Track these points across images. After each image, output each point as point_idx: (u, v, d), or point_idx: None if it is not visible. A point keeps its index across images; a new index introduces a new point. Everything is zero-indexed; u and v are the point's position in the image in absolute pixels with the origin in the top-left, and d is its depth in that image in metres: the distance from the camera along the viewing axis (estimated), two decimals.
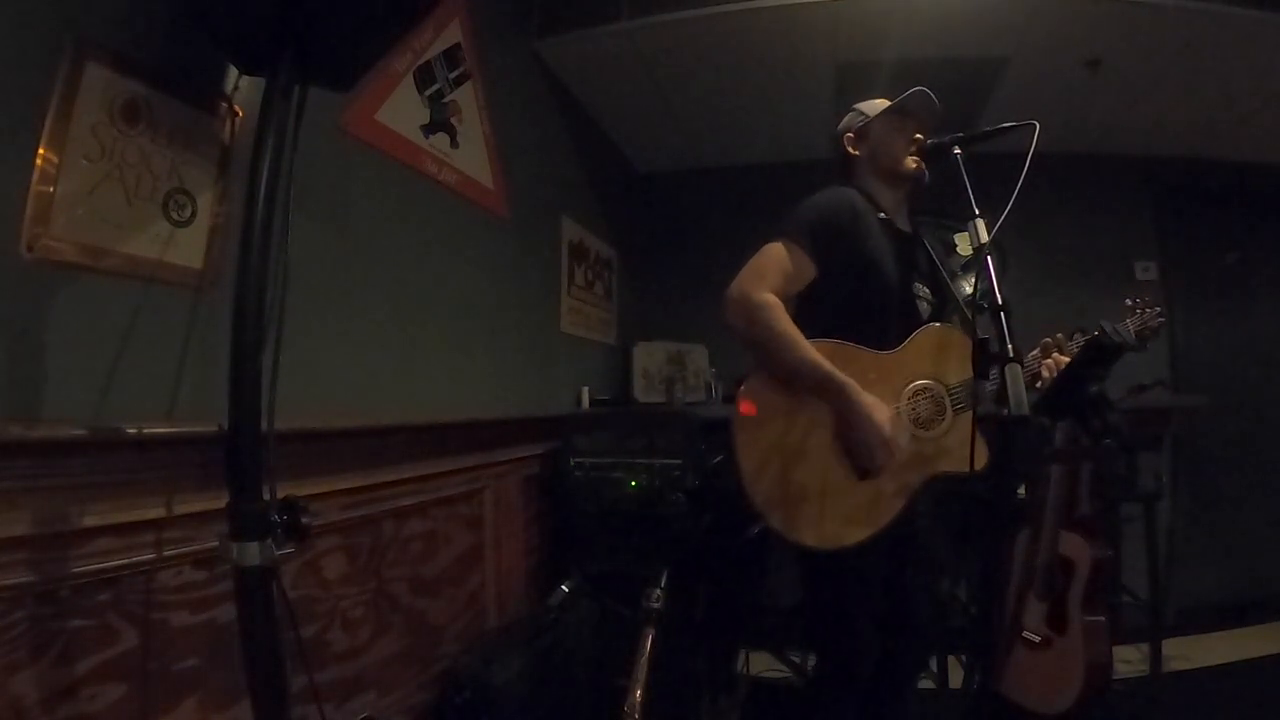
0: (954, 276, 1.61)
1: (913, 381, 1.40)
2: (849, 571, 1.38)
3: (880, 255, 1.43)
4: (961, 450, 1.23)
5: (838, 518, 1.33)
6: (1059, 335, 1.41)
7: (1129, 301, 1.54)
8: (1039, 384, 1.36)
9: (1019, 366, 1.05)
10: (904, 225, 1.55)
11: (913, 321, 1.45)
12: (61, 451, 0.96)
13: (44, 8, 1.00)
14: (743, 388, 1.41)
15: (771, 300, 1.36)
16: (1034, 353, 1.39)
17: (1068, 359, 1.38)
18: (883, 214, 1.50)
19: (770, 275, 1.38)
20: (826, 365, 1.33)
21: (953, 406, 1.39)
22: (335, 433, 1.48)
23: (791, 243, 1.40)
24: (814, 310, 1.43)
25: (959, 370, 1.39)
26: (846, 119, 1.62)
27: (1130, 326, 1.49)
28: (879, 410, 1.31)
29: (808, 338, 1.36)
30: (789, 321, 1.36)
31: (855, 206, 1.45)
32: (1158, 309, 1.51)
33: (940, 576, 2.57)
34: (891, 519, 1.34)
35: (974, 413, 1.20)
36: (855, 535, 1.33)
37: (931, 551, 1.55)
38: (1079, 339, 1.40)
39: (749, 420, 1.37)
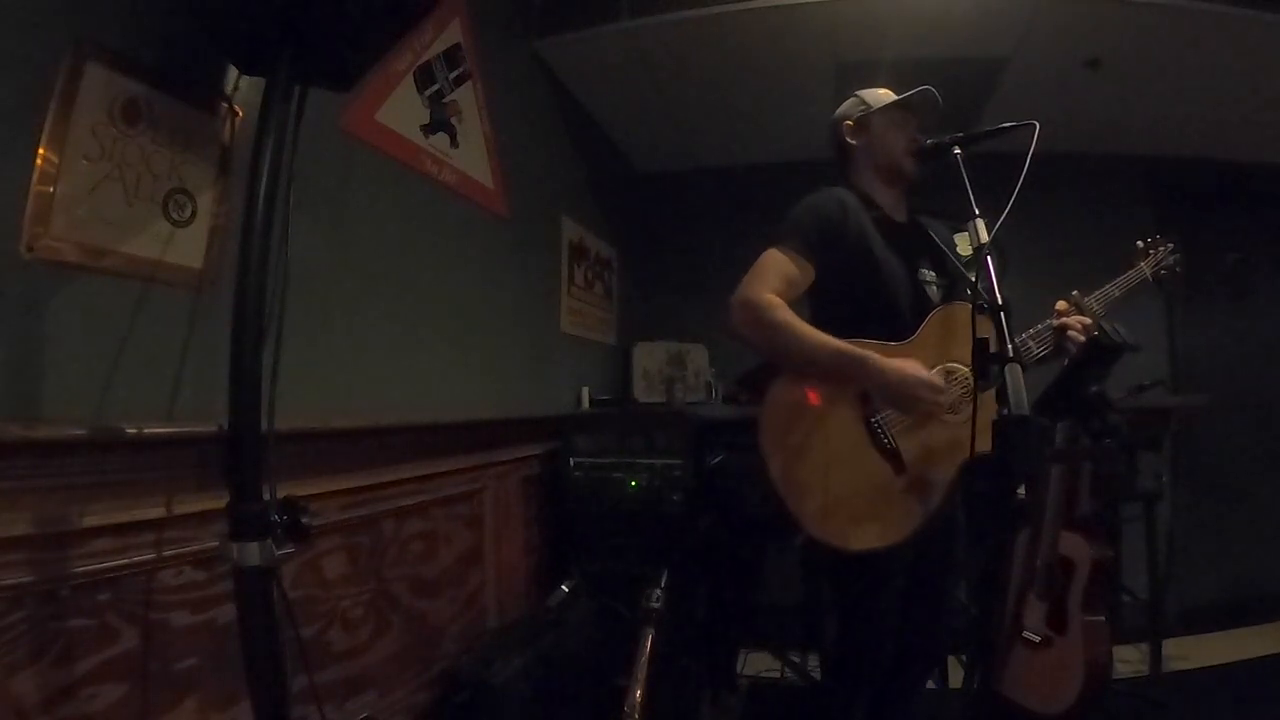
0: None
1: (934, 368, 1.37)
2: (876, 570, 1.36)
3: (878, 248, 1.42)
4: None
5: (879, 517, 1.31)
6: (1075, 293, 1.40)
7: (1140, 243, 1.52)
8: (1071, 347, 1.35)
9: (1019, 366, 1.05)
10: (899, 216, 1.54)
11: (925, 308, 1.44)
12: (61, 451, 0.96)
13: (44, 8, 1.00)
14: (767, 397, 1.38)
15: (774, 299, 1.35)
16: (1048, 321, 1.38)
17: (1089, 320, 1.38)
18: (876, 209, 1.49)
19: (769, 278, 1.38)
20: (838, 343, 1.32)
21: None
22: (335, 433, 1.48)
23: (786, 247, 1.40)
24: (826, 315, 1.42)
25: None
26: (847, 105, 1.59)
27: (1146, 270, 1.48)
28: (908, 363, 1.31)
29: None
30: (794, 315, 1.35)
31: (845, 204, 1.44)
32: (1170, 245, 1.50)
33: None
34: (934, 510, 1.32)
35: (975, 395, 1.19)
36: (899, 532, 1.31)
37: (958, 552, 1.52)
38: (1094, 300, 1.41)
39: (775, 429, 1.35)
